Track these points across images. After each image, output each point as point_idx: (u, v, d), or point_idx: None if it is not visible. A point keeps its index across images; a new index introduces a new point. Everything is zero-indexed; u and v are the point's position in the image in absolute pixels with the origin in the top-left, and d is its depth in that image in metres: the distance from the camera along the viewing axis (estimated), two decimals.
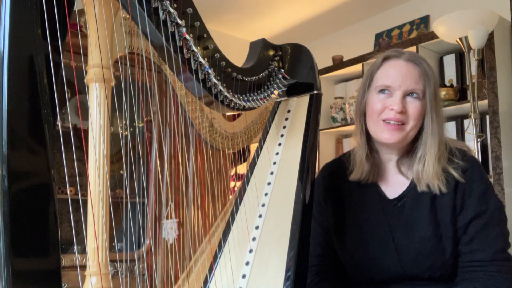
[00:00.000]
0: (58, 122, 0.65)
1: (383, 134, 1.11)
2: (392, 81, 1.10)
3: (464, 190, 1.09)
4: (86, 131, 0.86)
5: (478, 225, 1.07)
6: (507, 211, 1.17)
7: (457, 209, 1.09)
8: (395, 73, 1.11)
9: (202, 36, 0.95)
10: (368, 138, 1.17)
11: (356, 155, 1.19)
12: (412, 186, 1.14)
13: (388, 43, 2.98)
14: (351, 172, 1.19)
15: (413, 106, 1.10)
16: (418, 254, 1.09)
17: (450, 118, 2.61)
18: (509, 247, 1.09)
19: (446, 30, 2.24)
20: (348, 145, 3.22)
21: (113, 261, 2.04)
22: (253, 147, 1.30)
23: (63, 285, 1.87)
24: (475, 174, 1.10)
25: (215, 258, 1.07)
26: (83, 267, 1.34)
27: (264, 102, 1.16)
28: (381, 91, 1.12)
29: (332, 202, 1.24)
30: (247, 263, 1.02)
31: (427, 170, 1.10)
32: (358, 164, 1.18)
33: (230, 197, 1.48)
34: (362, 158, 1.16)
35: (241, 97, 1.08)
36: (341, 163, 1.25)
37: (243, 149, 1.43)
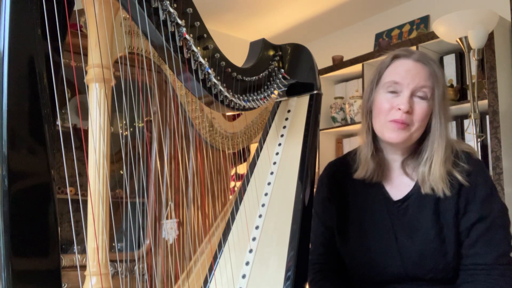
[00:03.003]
0: (58, 122, 0.65)
1: (388, 133, 1.10)
2: (401, 78, 1.09)
3: (467, 194, 1.08)
4: (86, 131, 0.86)
5: (481, 229, 1.06)
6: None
7: (460, 212, 1.09)
8: (404, 72, 1.10)
9: (202, 36, 0.95)
10: (374, 136, 1.16)
11: (361, 154, 1.18)
12: (416, 188, 1.13)
13: (388, 43, 2.98)
14: (356, 171, 1.19)
15: (419, 107, 1.09)
16: (420, 256, 1.09)
17: None
18: None
19: (446, 30, 2.24)
20: (348, 145, 3.22)
21: (113, 261, 2.04)
22: (253, 147, 1.30)
23: (63, 285, 1.87)
24: (479, 178, 1.10)
25: (215, 258, 1.07)
26: (83, 267, 1.34)
27: (264, 102, 1.16)
28: (390, 92, 1.11)
29: (336, 201, 1.23)
30: (247, 263, 1.02)
31: (433, 173, 1.09)
32: (363, 163, 1.17)
33: (230, 197, 1.48)
34: (367, 156, 1.16)
35: (241, 97, 1.08)
36: (346, 162, 1.24)
37: (243, 149, 1.43)
